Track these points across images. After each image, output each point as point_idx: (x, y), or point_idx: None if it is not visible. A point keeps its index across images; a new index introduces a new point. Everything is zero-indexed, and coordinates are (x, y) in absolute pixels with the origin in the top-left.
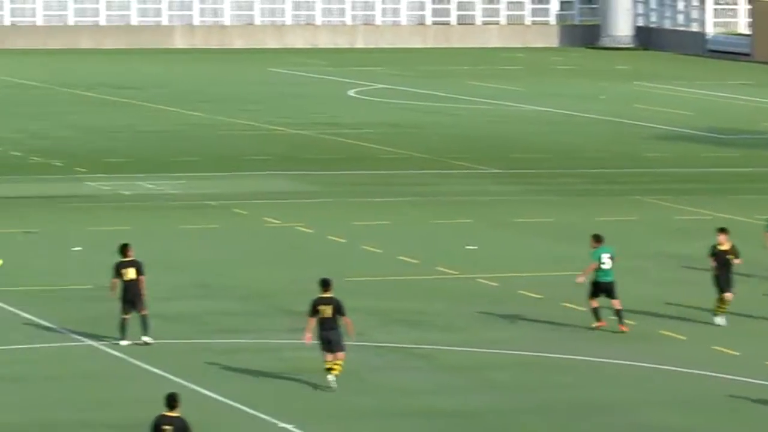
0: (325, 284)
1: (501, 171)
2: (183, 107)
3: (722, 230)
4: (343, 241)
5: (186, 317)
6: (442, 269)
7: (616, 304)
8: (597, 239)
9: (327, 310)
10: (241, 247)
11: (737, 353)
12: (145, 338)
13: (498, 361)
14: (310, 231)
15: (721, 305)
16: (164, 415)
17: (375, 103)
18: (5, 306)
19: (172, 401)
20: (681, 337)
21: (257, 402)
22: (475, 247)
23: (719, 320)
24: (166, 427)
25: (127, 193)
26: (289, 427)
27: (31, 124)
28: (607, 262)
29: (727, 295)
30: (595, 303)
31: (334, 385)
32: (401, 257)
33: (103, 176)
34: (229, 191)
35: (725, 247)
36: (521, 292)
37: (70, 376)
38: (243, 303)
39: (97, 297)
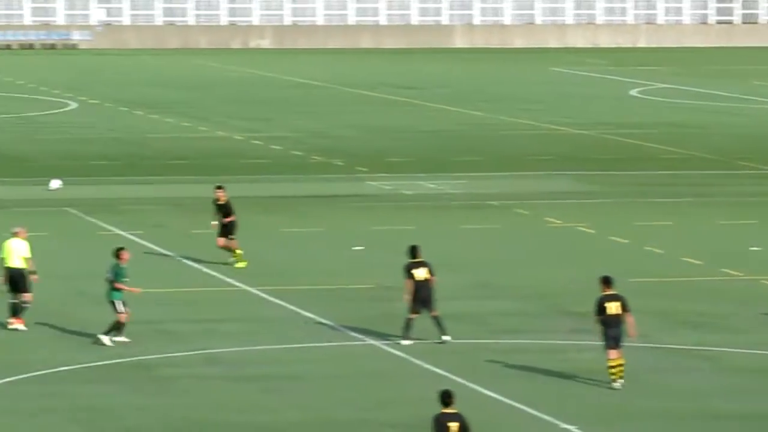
0: (607, 281)
1: None
2: (464, 107)
3: None
4: (626, 241)
5: (467, 317)
6: (726, 271)
7: None
8: None
9: (613, 308)
10: (522, 247)
11: None
12: (444, 337)
13: None
14: (592, 231)
15: None
16: (445, 413)
17: (657, 102)
18: (286, 305)
19: (447, 398)
20: None
21: (539, 402)
22: (760, 249)
23: None
24: (452, 424)
25: (408, 192)
26: (572, 428)
27: (312, 124)
28: None
29: None
30: None
31: (618, 387)
32: (685, 258)
33: (384, 176)
34: (510, 191)
35: None
36: None
37: (350, 375)
38: (524, 303)
39: (378, 296)
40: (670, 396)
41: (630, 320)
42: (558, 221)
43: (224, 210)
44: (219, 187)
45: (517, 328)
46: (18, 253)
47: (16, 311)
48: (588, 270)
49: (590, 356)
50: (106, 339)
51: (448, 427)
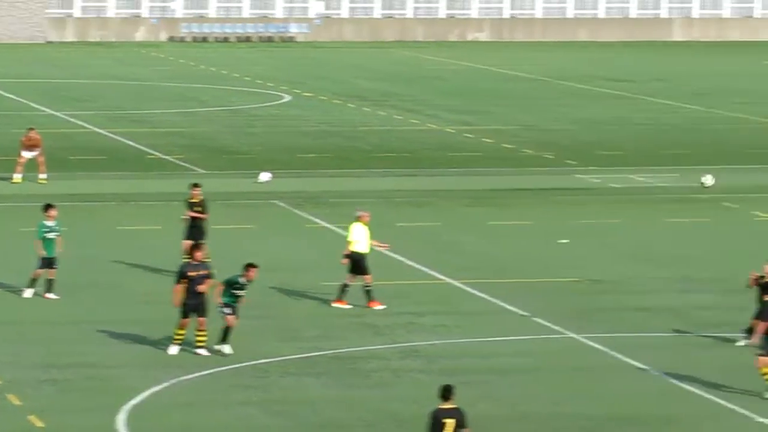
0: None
1: None
2: (678, 100)
3: None
4: None
5: (670, 311)
6: None
7: None
8: None
9: None
10: (729, 242)
11: None
12: None
13: None
14: None
15: None
16: (442, 408)
17: None
18: (489, 298)
19: (447, 392)
20: None
21: (733, 397)
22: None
23: None
24: (448, 420)
25: (617, 185)
26: (767, 421)
27: (525, 117)
28: None
29: None
30: None
31: None
32: None
33: (593, 169)
34: (720, 185)
35: None
36: None
37: (548, 368)
38: (727, 297)
39: (583, 290)
40: None
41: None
42: (766, 215)
43: (199, 209)
44: (195, 185)
45: (721, 322)
46: (362, 236)
47: (343, 293)
48: None
49: None
50: (226, 347)
51: (443, 424)
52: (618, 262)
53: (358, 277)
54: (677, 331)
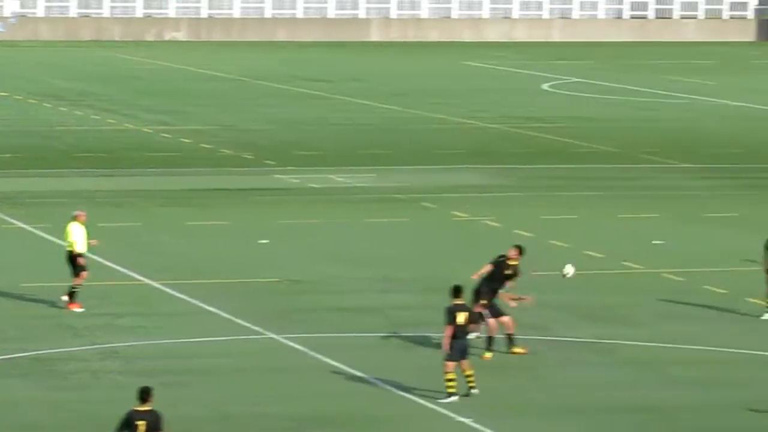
0: (457, 291)
1: (692, 165)
2: (376, 100)
3: None
4: (530, 235)
5: (369, 310)
6: (627, 264)
7: None
8: None
9: (461, 317)
10: (427, 241)
11: None
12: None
13: (681, 356)
14: (498, 225)
15: None
16: (137, 410)
17: (569, 96)
18: (189, 299)
19: (144, 395)
20: None
21: (435, 396)
22: (662, 242)
23: None
24: (140, 423)
25: (316, 186)
26: (467, 421)
27: (224, 117)
28: None
29: None
30: None
31: (475, 392)
32: (587, 252)
33: (292, 169)
34: (419, 185)
35: None
36: (706, 287)
37: (250, 369)
38: (426, 296)
39: (283, 290)
40: (567, 389)
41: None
42: (464, 215)
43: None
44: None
45: (420, 322)
46: (80, 236)
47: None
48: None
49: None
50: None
51: (136, 426)
52: (317, 262)
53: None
54: (377, 331)
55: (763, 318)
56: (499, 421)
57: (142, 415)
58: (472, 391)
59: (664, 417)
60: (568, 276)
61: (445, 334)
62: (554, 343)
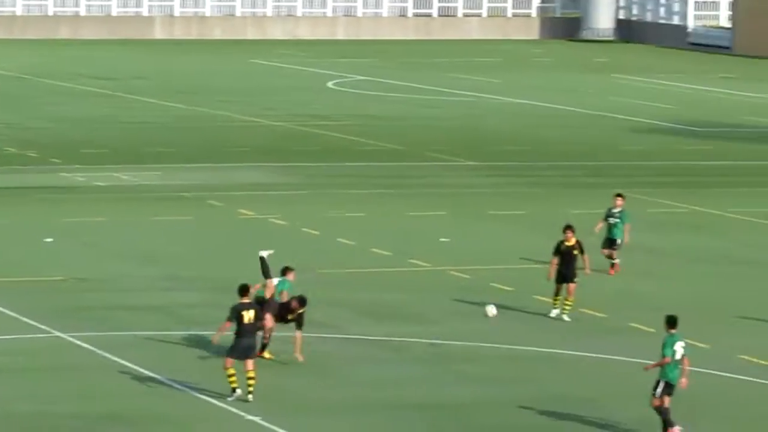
0: (244, 290)
1: (477, 163)
2: (161, 98)
3: (569, 227)
4: (317, 233)
5: (156, 309)
6: (414, 261)
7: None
8: (671, 323)
9: (249, 316)
10: (214, 240)
11: (707, 346)
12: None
13: (469, 353)
14: (284, 223)
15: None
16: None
17: (354, 94)
18: None
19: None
20: (651, 329)
21: (224, 394)
22: (449, 240)
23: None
24: None
25: (101, 184)
26: (257, 419)
27: (7, 115)
28: (678, 352)
29: (571, 287)
30: (663, 401)
31: (250, 398)
32: (374, 249)
33: (78, 167)
34: (205, 183)
35: (571, 242)
36: (493, 284)
37: (35, 368)
38: (213, 295)
39: (69, 289)
40: (356, 386)
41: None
42: (250, 213)
43: None
44: None
45: (207, 320)
46: None
47: None
48: (278, 262)
49: (278, 348)
50: None
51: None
52: (103, 260)
53: None
54: (165, 329)
55: (551, 315)
56: (288, 419)
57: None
58: (249, 396)
59: (454, 414)
60: (490, 316)
61: (219, 328)
62: (344, 341)
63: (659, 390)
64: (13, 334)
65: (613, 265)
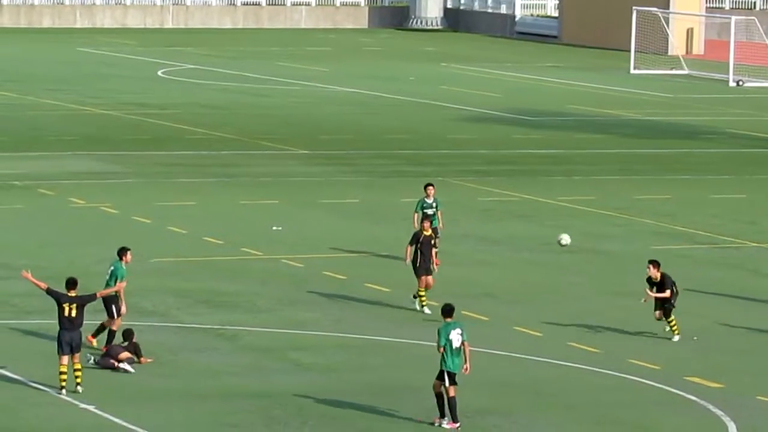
0: (71, 284)
1: (308, 152)
2: None
3: (426, 217)
4: (148, 221)
5: None
6: (247, 250)
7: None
8: (447, 312)
9: (72, 309)
10: (46, 228)
11: (540, 334)
12: None
13: (303, 342)
14: (115, 212)
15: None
16: None
17: (184, 83)
18: None
19: None
20: (484, 318)
21: (56, 383)
22: (281, 228)
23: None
24: None
25: None
26: (91, 408)
27: None
28: (456, 340)
29: (430, 279)
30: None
31: (80, 389)
32: (206, 238)
33: None
34: (35, 171)
35: (428, 232)
36: (325, 272)
37: None
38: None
39: None
40: (189, 375)
41: None
42: (81, 201)
43: None
44: None
45: (40, 309)
46: None
47: None
48: (111, 250)
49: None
50: None
51: None
52: None
53: None
54: None
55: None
56: (122, 407)
57: None
58: (78, 387)
59: (287, 402)
60: (564, 243)
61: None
62: (177, 330)
63: (448, 380)
64: None
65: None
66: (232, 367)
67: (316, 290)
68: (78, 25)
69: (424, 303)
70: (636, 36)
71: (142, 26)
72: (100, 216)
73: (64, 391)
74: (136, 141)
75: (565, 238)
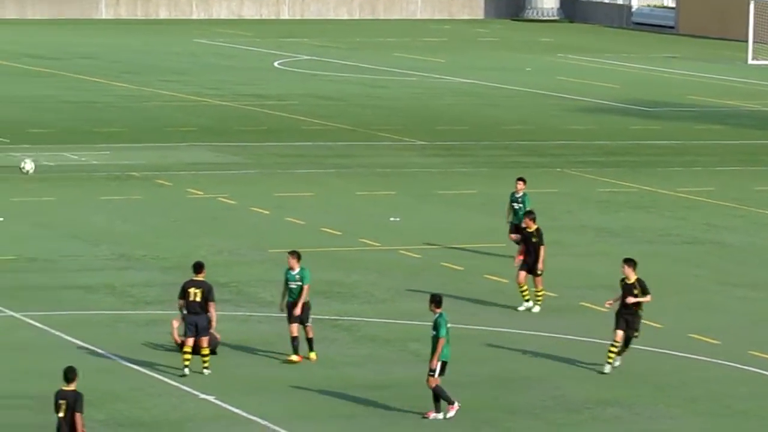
0: (198, 267)
1: (425, 143)
2: (107, 78)
3: (528, 213)
4: (267, 212)
5: (108, 288)
6: (365, 241)
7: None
8: (438, 302)
9: (197, 294)
10: (165, 219)
11: (660, 326)
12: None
13: (421, 333)
14: (234, 202)
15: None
16: (61, 390)
17: (300, 74)
18: None
19: (69, 374)
20: (602, 309)
21: (177, 373)
22: (399, 219)
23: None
24: (61, 402)
25: (50, 164)
26: (210, 398)
27: None
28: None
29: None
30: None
31: (206, 372)
32: (324, 229)
33: (26, 147)
34: (153, 162)
35: (531, 228)
36: (443, 264)
37: None
38: (164, 274)
39: (20, 268)
40: (307, 365)
41: (211, 307)
42: (199, 192)
43: None
44: None
45: (159, 299)
46: None
47: None
48: (229, 241)
49: (232, 327)
50: None
51: (60, 405)
52: (53, 239)
53: None
54: (116, 308)
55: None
56: (241, 397)
57: (64, 394)
58: (205, 371)
59: (405, 393)
60: (27, 170)
61: (179, 307)
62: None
63: (438, 370)
64: None
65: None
66: (350, 358)
67: (433, 281)
68: (194, 17)
69: (525, 297)
70: (754, 26)
71: (258, 17)
72: (217, 207)
73: (186, 370)
74: (254, 132)
75: (29, 164)
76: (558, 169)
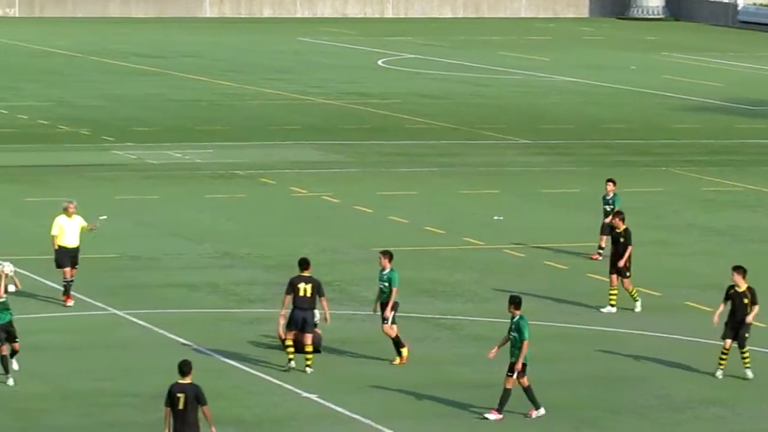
0: (304, 264)
1: (529, 141)
2: (211, 76)
3: (617, 213)
4: (370, 211)
5: (211, 287)
6: (468, 240)
7: None
8: (518, 304)
9: (306, 289)
10: (268, 217)
11: (765, 325)
12: None
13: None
14: (337, 201)
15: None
16: (177, 383)
17: (404, 72)
18: (28, 274)
19: (183, 367)
20: (707, 308)
21: (281, 372)
22: (502, 218)
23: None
24: (180, 395)
25: (154, 162)
26: (313, 396)
27: (60, 93)
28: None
29: (614, 278)
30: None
31: (309, 371)
32: (428, 227)
33: (130, 145)
34: (256, 161)
35: (619, 228)
36: (547, 262)
37: (92, 344)
38: (268, 273)
39: (123, 266)
40: (410, 364)
41: (324, 302)
42: (303, 191)
43: None
44: None
45: (262, 298)
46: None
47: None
48: (332, 239)
49: (335, 325)
50: None
51: (178, 398)
52: (157, 238)
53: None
54: (219, 306)
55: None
56: (343, 396)
57: (182, 387)
58: (308, 369)
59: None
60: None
61: (283, 303)
62: (397, 319)
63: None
64: (69, 311)
65: (600, 253)
66: (454, 357)
67: (537, 280)
68: (298, 15)
69: (612, 302)
70: None
71: (362, 15)
72: (321, 205)
73: (292, 362)
74: (357, 131)
75: (8, 267)
76: (663, 168)
